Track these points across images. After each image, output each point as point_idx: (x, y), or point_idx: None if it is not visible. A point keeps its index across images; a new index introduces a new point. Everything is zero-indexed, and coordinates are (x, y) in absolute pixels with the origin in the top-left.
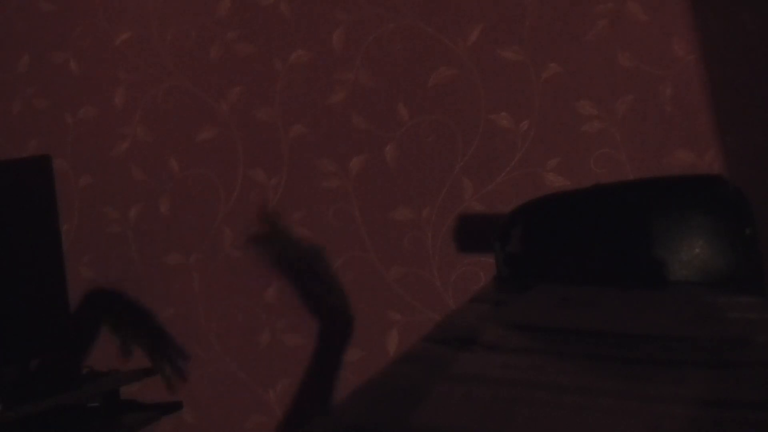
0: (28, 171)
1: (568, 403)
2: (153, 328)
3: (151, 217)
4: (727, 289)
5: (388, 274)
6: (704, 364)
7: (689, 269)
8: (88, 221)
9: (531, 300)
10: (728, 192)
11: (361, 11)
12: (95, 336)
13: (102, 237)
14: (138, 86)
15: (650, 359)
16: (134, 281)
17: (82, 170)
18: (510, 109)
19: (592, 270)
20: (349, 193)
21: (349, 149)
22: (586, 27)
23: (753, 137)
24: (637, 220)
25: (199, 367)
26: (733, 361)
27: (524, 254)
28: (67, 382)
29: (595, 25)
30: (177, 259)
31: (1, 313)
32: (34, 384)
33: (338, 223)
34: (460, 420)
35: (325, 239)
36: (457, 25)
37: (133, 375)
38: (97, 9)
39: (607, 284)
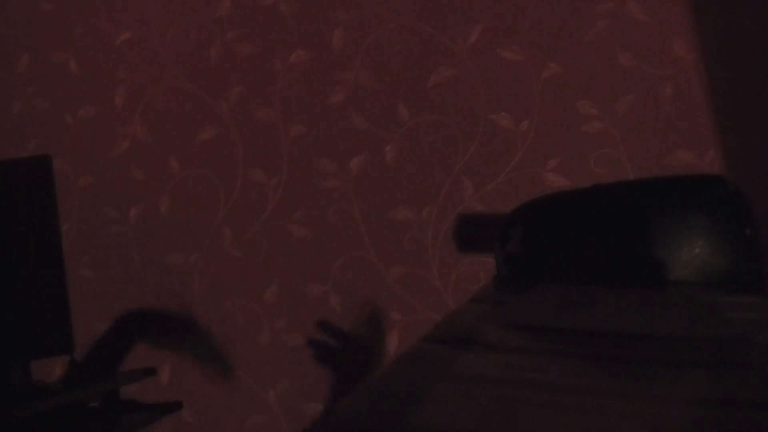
0: (28, 171)
1: (568, 403)
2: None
3: (151, 217)
4: (727, 289)
5: (388, 274)
6: (704, 364)
7: (689, 269)
8: (88, 221)
9: (531, 300)
10: (728, 192)
11: (361, 11)
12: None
13: (102, 237)
14: (138, 86)
15: (650, 359)
16: (134, 281)
17: (82, 170)
18: (510, 109)
19: (592, 270)
20: (349, 193)
21: (349, 149)
22: (586, 27)
23: (753, 137)
24: (637, 220)
25: (199, 367)
26: (733, 361)
27: (524, 254)
28: (67, 382)
29: (595, 25)
30: (177, 259)
31: (1, 313)
32: (34, 384)
33: (338, 223)
34: (460, 420)
35: (325, 239)
36: (457, 25)
37: (133, 375)
38: (97, 9)
39: (607, 284)
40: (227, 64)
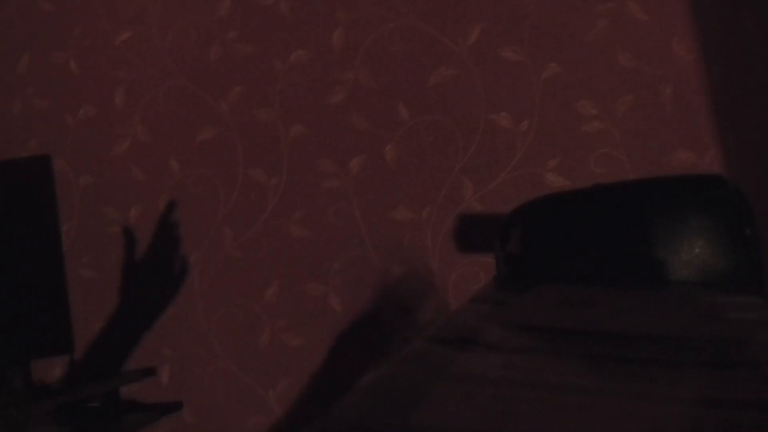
0: (28, 171)
1: (568, 403)
2: None
3: (151, 217)
4: (727, 289)
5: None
6: (704, 364)
7: (689, 269)
8: (88, 221)
9: (531, 300)
10: (728, 192)
11: (361, 11)
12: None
13: (102, 237)
14: (138, 86)
15: (650, 359)
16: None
17: (82, 170)
18: (510, 109)
19: (592, 270)
20: (349, 193)
21: (349, 149)
22: (586, 27)
23: (753, 137)
24: (637, 220)
25: (199, 367)
26: (733, 361)
27: (524, 254)
28: (67, 382)
29: (595, 25)
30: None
31: (1, 313)
32: (34, 384)
33: (338, 223)
34: (461, 420)
35: (325, 239)
36: (457, 25)
37: (133, 375)
38: (97, 9)
39: (607, 284)
40: (227, 64)
